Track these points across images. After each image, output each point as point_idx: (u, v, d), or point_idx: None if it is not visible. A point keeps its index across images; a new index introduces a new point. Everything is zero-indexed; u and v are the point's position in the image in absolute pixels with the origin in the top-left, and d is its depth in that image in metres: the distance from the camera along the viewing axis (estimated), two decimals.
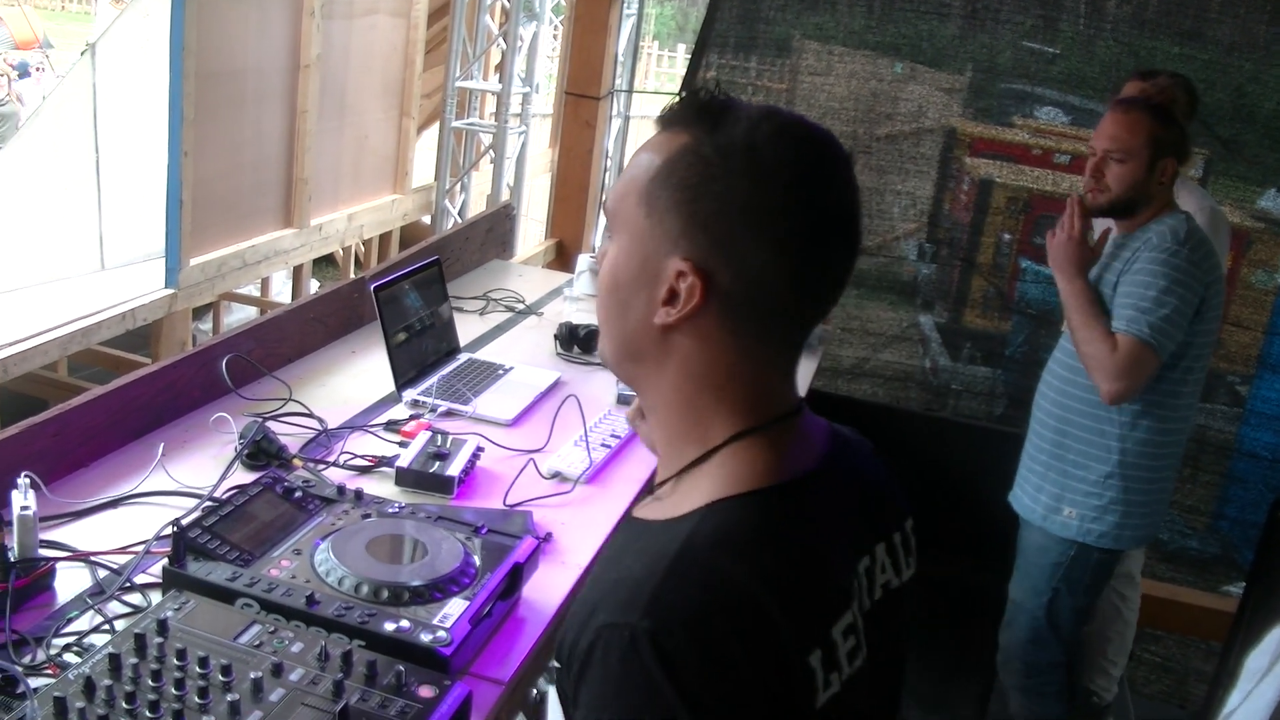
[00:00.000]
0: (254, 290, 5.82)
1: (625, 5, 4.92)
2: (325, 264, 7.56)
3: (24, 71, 11.06)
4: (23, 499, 1.54)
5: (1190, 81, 3.11)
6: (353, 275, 4.43)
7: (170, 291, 4.26)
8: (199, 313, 5.38)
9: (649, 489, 1.01)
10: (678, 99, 0.97)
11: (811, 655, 0.88)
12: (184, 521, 1.55)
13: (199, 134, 4.18)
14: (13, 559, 1.50)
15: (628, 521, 1.00)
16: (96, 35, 4.97)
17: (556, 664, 0.91)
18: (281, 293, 6.26)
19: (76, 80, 4.63)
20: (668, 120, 0.97)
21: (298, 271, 5.54)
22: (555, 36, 7.70)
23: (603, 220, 5.19)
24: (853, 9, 4.23)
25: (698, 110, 0.95)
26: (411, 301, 2.56)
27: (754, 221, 0.90)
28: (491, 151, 5.82)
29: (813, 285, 0.94)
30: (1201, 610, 3.79)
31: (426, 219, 6.47)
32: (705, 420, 0.96)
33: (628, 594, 0.85)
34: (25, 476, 1.57)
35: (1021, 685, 2.86)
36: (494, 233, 3.71)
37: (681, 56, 16.46)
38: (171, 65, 4.03)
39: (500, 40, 5.60)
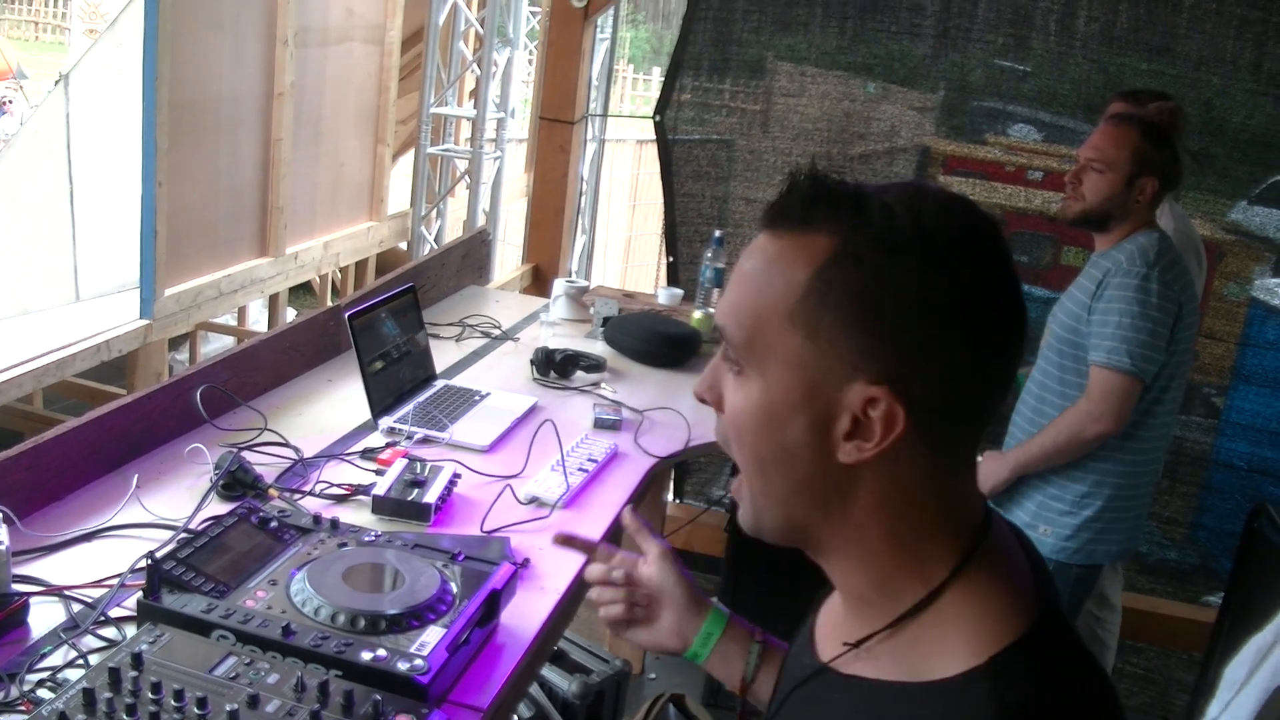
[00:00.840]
0: (230, 320, 5.80)
1: (599, 29, 4.94)
2: (302, 292, 7.53)
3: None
4: None
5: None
6: (330, 303, 4.42)
7: (145, 322, 4.23)
8: (175, 343, 5.35)
9: (855, 644, 0.87)
10: (786, 192, 0.83)
11: None
12: (158, 554, 1.54)
13: (173, 163, 4.17)
14: None
15: (843, 681, 0.87)
16: (70, 65, 4.97)
17: None
18: (258, 322, 6.23)
19: (50, 111, 4.62)
20: (788, 218, 0.82)
21: (274, 300, 5.52)
22: (530, 61, 7.73)
23: (579, 244, 5.22)
24: (825, 30, 4.27)
25: (829, 202, 0.81)
26: (387, 329, 2.56)
27: (950, 322, 0.78)
28: (467, 177, 5.83)
29: (1006, 371, 0.82)
30: (1182, 621, 3.82)
31: (403, 245, 6.46)
32: (918, 553, 0.83)
33: None
34: None
35: None
36: (470, 258, 3.72)
37: (656, 79, 16.52)
38: (145, 95, 4.02)
39: (475, 66, 5.60)
